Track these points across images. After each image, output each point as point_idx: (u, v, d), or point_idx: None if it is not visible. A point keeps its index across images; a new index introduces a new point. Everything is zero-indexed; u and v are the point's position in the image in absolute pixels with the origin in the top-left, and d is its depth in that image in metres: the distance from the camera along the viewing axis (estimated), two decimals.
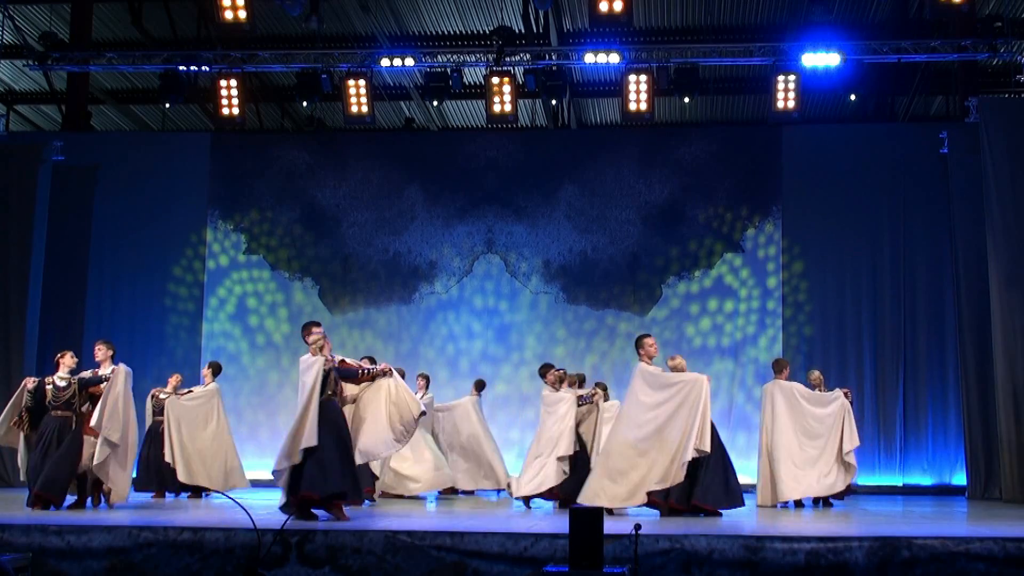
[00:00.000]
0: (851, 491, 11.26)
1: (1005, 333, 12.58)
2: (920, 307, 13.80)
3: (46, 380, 9.61)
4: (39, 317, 13.88)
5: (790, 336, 14.02)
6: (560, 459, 10.24)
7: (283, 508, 8.30)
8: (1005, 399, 12.50)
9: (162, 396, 11.94)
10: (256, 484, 12.29)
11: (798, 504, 10.73)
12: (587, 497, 9.10)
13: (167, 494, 11.75)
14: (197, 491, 11.70)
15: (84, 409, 9.49)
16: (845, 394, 11.64)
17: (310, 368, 8.42)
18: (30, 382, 9.59)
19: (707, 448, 9.10)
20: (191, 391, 11.95)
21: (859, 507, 10.86)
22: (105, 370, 9.66)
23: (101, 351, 9.80)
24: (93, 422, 9.25)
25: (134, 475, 10.39)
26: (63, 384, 9.55)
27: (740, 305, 14.27)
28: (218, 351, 14.52)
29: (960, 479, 13.34)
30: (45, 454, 9.25)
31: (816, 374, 11.77)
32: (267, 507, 9.32)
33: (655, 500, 9.18)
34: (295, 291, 14.79)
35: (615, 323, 14.39)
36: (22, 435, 9.62)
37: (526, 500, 10.58)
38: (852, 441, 11.22)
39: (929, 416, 13.63)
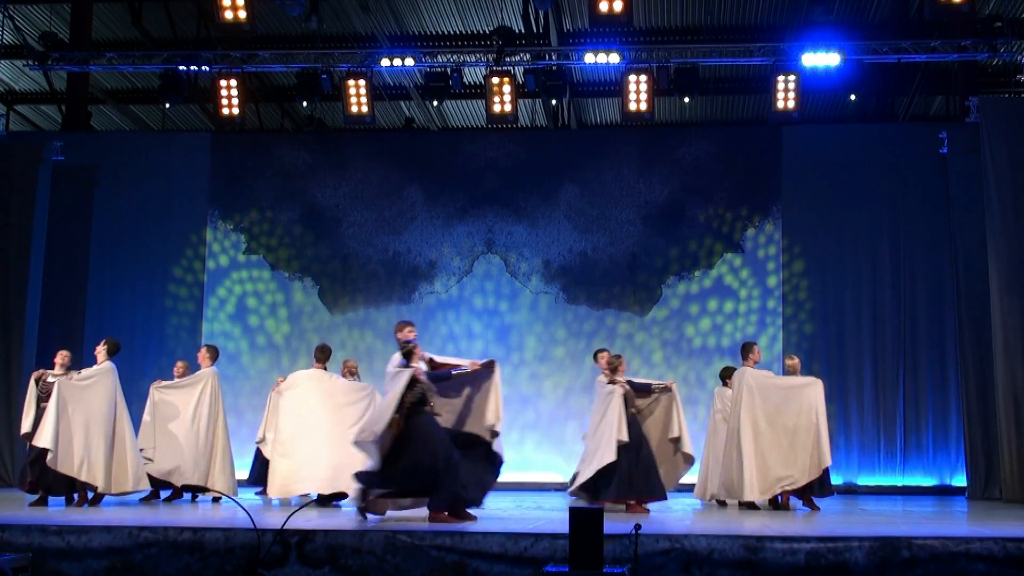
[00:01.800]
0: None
1: (1005, 333, 12.57)
2: (920, 306, 13.80)
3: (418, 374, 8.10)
4: (39, 317, 13.87)
5: (790, 334, 14.02)
6: None
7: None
8: (1005, 399, 12.48)
9: (50, 379, 10.19)
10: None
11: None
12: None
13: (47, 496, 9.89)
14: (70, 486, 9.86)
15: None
16: None
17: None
18: (420, 372, 8.10)
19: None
20: (80, 372, 10.25)
21: (859, 507, 10.85)
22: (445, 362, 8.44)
23: (406, 331, 8.32)
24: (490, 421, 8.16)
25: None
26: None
27: (740, 305, 14.27)
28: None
29: (960, 479, 13.34)
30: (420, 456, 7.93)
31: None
32: (266, 507, 9.32)
33: (791, 497, 9.84)
34: (295, 291, 14.78)
35: (615, 323, 14.39)
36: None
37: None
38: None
39: (929, 416, 13.62)
